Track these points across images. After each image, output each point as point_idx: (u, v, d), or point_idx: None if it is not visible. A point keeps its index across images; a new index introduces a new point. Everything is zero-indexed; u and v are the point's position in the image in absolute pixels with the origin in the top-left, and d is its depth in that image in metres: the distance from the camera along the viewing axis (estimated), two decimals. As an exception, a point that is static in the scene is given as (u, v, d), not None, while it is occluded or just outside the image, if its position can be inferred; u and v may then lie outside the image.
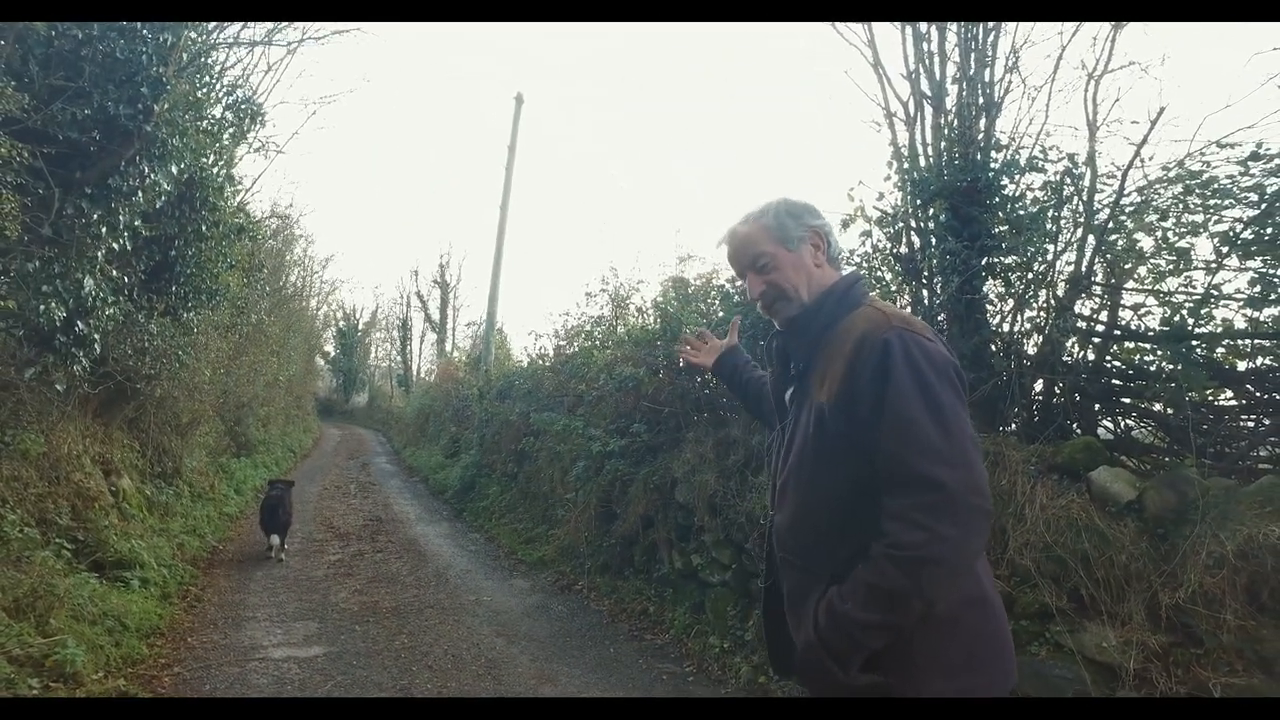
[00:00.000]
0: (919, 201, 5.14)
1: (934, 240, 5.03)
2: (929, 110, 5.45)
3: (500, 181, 16.36)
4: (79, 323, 4.70)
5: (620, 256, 30.35)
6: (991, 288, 4.88)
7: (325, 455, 18.41)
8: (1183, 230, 4.11)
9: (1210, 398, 3.79)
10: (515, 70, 68.08)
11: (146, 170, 4.65)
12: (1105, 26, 4.73)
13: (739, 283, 6.05)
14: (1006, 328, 4.82)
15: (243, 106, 5.85)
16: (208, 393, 9.25)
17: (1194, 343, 3.86)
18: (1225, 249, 3.71)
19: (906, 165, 5.21)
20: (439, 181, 67.46)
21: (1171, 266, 4.24)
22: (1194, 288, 4.01)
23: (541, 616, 5.66)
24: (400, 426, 23.21)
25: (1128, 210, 4.49)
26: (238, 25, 5.78)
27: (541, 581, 6.68)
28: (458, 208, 65.33)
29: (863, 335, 1.37)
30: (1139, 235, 4.56)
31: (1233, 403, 3.84)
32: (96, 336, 4.95)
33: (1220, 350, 3.85)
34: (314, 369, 29.24)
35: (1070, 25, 4.83)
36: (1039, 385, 4.68)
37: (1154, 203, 4.46)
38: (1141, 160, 4.43)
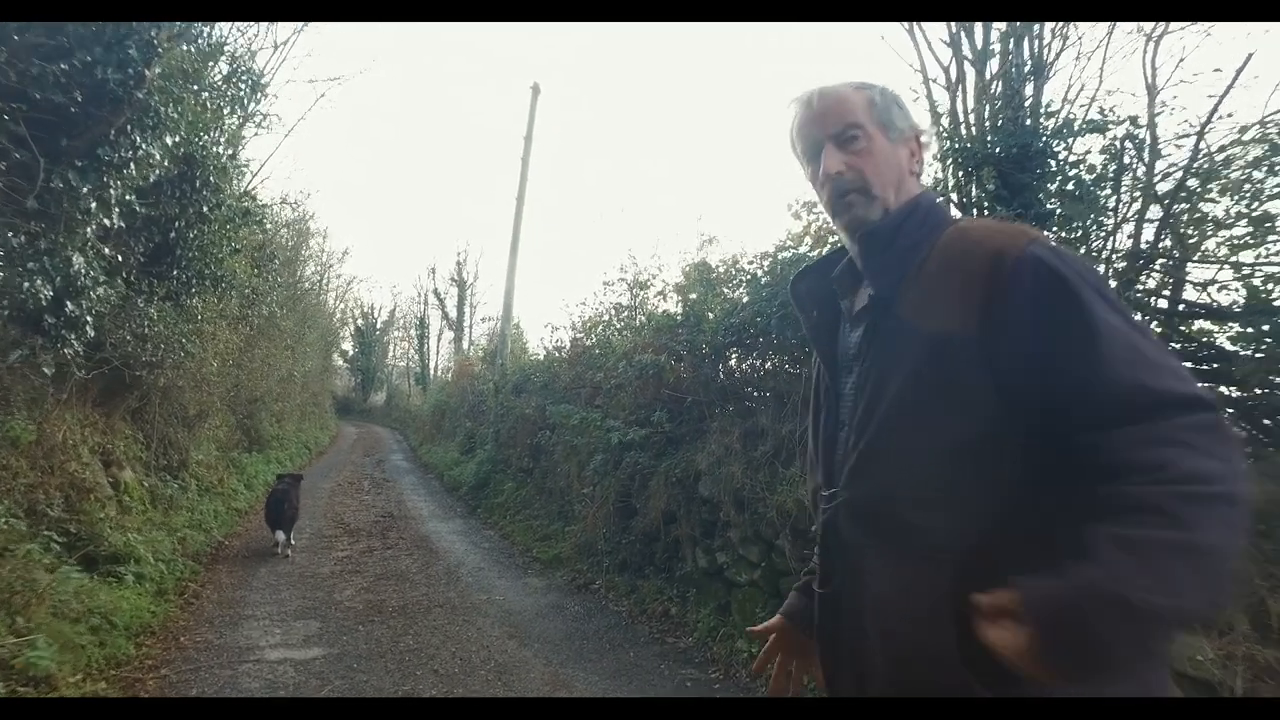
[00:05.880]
0: (962, 173, 4.77)
1: (981, 212, 4.65)
2: (972, 74, 5.07)
3: (516, 174, 16.12)
4: (68, 303, 4.45)
5: (639, 245, 29.89)
6: (1045, 263, 4.48)
7: (341, 452, 18.26)
8: (1267, 196, 3.70)
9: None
10: (531, 64, 68.01)
11: (139, 140, 4.39)
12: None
13: (764, 266, 5.68)
14: (1061, 306, 4.42)
15: (242, 77, 5.59)
16: (216, 385, 9.05)
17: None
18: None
19: (948, 133, 4.84)
20: (456, 180, 67.62)
21: (1251, 237, 3.83)
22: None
23: (556, 617, 5.34)
24: (417, 424, 23.08)
25: (1198, 176, 4.08)
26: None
27: (557, 580, 6.37)
28: (475, 205, 65.48)
29: (998, 250, 1.03)
30: (1207, 204, 4.15)
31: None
32: (89, 319, 4.70)
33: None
34: (331, 366, 29.19)
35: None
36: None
37: (1223, 171, 4.06)
38: (1199, 124, 4.03)
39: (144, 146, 4.46)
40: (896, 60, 6.11)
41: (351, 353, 37.56)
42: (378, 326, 39.14)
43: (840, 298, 1.30)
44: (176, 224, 5.94)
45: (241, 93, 5.65)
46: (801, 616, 1.44)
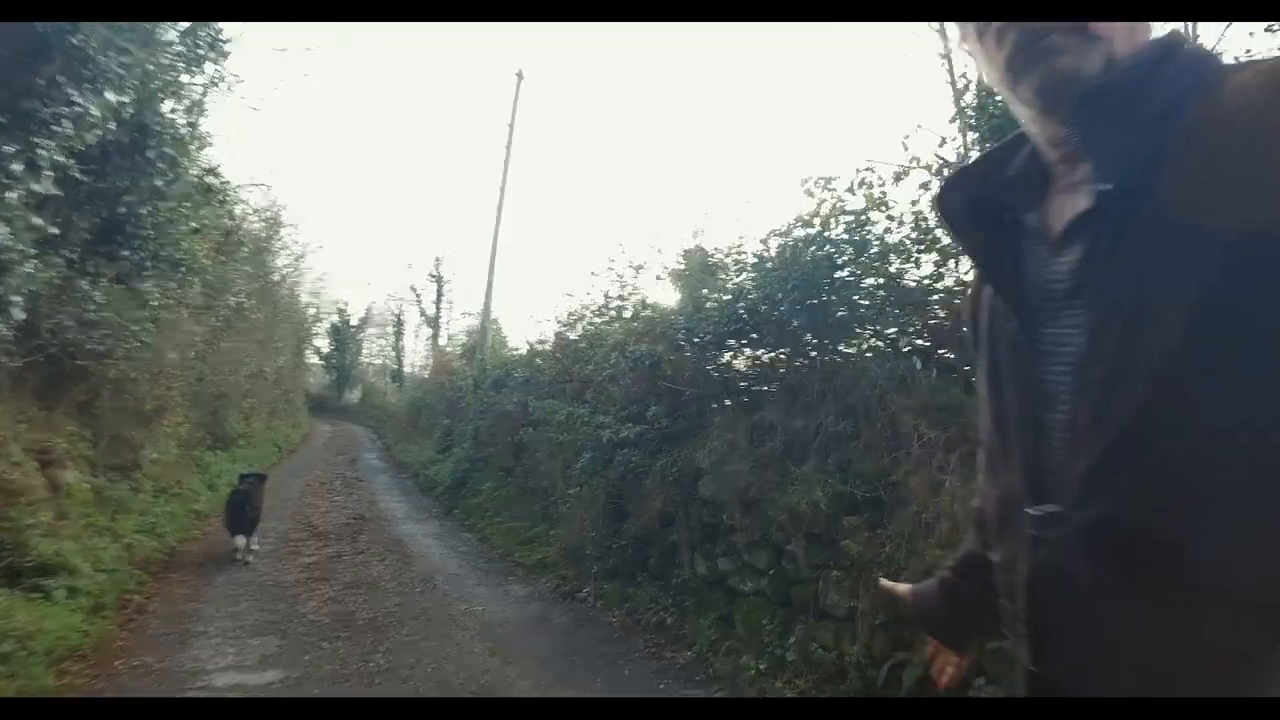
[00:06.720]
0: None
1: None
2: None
3: (499, 165, 15.65)
4: (-9, 279, 3.92)
5: (628, 238, 29.18)
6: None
7: (314, 451, 17.62)
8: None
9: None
10: (515, 67, 67.03)
11: (74, 95, 3.87)
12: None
13: (771, 247, 5.26)
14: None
15: (200, 34, 5.05)
16: (177, 378, 8.46)
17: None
18: None
19: (977, 100, 4.47)
20: (434, 181, 66.47)
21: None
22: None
23: (542, 629, 4.90)
24: (393, 423, 22.45)
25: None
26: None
27: (541, 588, 5.92)
28: (455, 204, 64.44)
29: None
30: None
31: None
32: (18, 299, 4.16)
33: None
34: (304, 363, 28.40)
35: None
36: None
37: None
38: None
39: (80, 102, 3.94)
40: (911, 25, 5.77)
41: (326, 350, 36.71)
42: (353, 324, 38.32)
43: (1021, 210, 0.86)
44: (126, 198, 5.39)
45: (201, 51, 5.12)
46: (942, 626, 1.10)
